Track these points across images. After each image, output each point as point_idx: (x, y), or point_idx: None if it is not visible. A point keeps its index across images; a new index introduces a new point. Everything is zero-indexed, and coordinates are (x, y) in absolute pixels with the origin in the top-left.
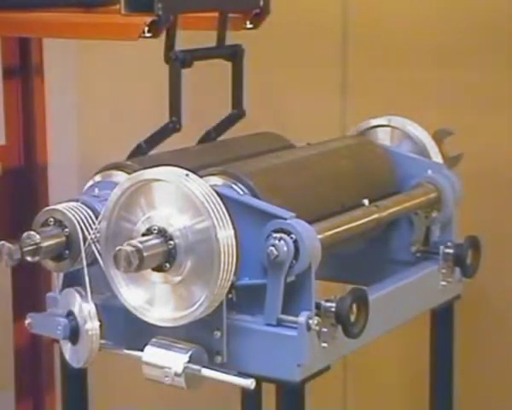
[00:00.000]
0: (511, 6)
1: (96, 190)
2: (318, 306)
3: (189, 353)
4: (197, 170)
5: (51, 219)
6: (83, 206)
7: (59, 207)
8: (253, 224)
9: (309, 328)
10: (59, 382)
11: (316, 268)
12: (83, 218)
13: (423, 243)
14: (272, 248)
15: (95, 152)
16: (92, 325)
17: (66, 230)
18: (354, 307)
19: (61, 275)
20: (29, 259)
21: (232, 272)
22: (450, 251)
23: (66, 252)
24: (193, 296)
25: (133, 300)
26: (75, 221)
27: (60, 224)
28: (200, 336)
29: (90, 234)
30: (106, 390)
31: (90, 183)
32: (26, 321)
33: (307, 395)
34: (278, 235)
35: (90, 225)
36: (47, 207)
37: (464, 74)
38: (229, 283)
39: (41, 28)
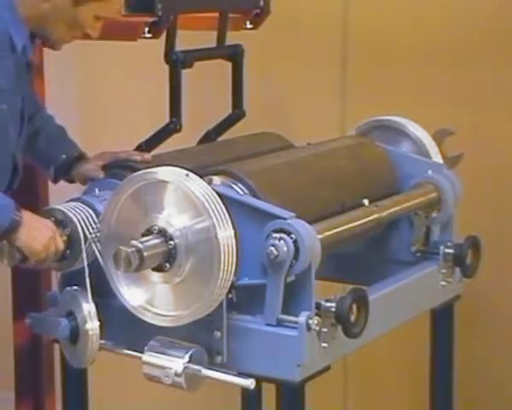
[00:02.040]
0: (511, 7)
1: (97, 190)
2: (318, 306)
3: (189, 353)
4: (197, 170)
5: (52, 219)
6: (84, 205)
7: (60, 206)
8: (253, 224)
9: (309, 328)
10: (59, 382)
11: (316, 268)
12: (84, 217)
13: (423, 243)
14: (272, 248)
15: (95, 152)
16: (92, 325)
17: (67, 229)
18: (354, 307)
19: (61, 274)
20: None
21: (232, 272)
22: (451, 251)
23: (67, 251)
24: (193, 296)
25: (133, 300)
26: (76, 221)
27: (61, 223)
28: (200, 336)
29: (90, 234)
30: (106, 390)
31: (91, 183)
32: (27, 321)
33: (307, 395)
34: (278, 235)
35: (90, 224)
36: (48, 207)
37: (464, 74)
38: (229, 283)
39: None
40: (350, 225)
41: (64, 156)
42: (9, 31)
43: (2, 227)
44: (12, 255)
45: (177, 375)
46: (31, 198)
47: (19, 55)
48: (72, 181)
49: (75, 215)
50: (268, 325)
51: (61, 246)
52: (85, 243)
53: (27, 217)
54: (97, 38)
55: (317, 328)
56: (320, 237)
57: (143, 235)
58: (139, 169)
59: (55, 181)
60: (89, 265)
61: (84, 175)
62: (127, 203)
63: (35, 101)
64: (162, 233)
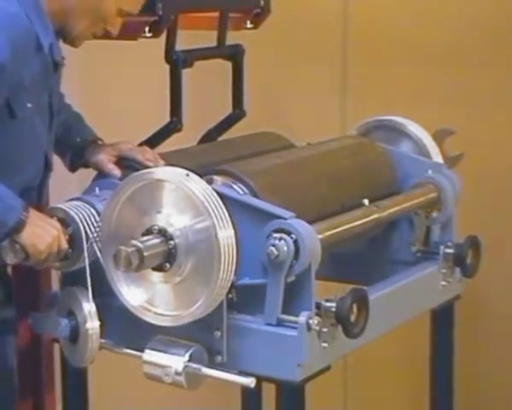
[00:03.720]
0: (511, 6)
1: (97, 190)
2: (318, 306)
3: (190, 352)
4: (198, 170)
5: (55, 218)
6: (85, 204)
7: (62, 205)
8: (254, 224)
9: (309, 328)
10: (59, 382)
11: (316, 268)
12: (85, 216)
13: (423, 242)
14: (272, 247)
15: None
16: (92, 325)
17: (70, 228)
18: (354, 307)
19: (61, 273)
20: None
21: (232, 272)
22: (451, 251)
23: (69, 251)
24: (193, 296)
25: (133, 299)
26: (78, 220)
27: (63, 223)
28: (200, 335)
29: (92, 233)
30: (106, 390)
31: (91, 182)
32: (28, 320)
33: (307, 395)
34: (278, 235)
35: (92, 224)
36: (50, 206)
37: (464, 74)
38: (230, 283)
39: None
40: (350, 225)
41: (78, 140)
42: (36, 31)
43: (8, 227)
44: (15, 253)
45: (177, 374)
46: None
47: (45, 54)
48: (87, 166)
49: (77, 214)
50: (268, 324)
51: (65, 245)
52: (87, 242)
53: (33, 216)
54: (98, 38)
55: (318, 328)
56: (320, 237)
57: (143, 235)
58: (139, 169)
59: (73, 169)
60: (89, 264)
61: (99, 167)
62: (127, 203)
63: (61, 94)
64: (162, 233)
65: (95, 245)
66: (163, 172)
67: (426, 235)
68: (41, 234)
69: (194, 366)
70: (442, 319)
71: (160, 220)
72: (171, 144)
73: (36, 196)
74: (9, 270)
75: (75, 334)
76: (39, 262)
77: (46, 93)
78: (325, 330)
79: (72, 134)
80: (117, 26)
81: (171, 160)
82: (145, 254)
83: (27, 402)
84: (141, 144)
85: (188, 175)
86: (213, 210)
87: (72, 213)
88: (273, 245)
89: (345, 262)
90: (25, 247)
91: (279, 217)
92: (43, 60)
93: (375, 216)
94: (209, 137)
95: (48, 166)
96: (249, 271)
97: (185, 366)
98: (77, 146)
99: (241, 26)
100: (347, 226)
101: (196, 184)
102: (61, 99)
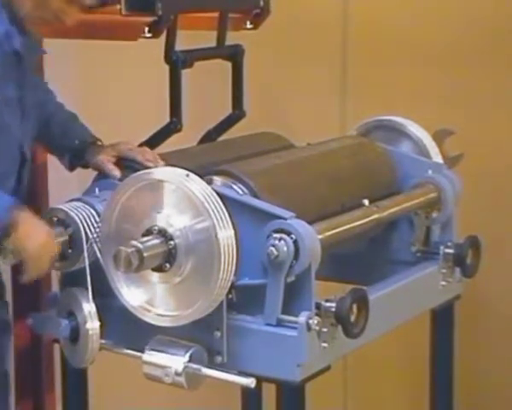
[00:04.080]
0: (511, 7)
1: (97, 190)
2: (318, 306)
3: (190, 352)
4: (198, 170)
5: (55, 219)
6: (85, 205)
7: (62, 206)
8: (253, 224)
9: (309, 328)
10: (59, 382)
11: (316, 268)
12: (85, 217)
13: (423, 243)
14: (272, 248)
15: None
16: (92, 325)
17: (70, 229)
18: (354, 307)
19: (61, 274)
20: None
21: (232, 273)
22: (451, 251)
23: (69, 251)
24: (193, 296)
25: (133, 300)
26: (78, 221)
27: (63, 223)
28: (200, 336)
29: (92, 233)
30: (106, 390)
31: (91, 183)
32: (28, 321)
33: (307, 395)
34: (278, 235)
35: (92, 224)
36: (50, 207)
37: (464, 74)
38: (229, 283)
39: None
40: (350, 225)
41: (77, 142)
42: None
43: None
44: (6, 255)
45: (177, 374)
46: (30, 198)
47: (1, 42)
48: (86, 167)
49: (77, 215)
50: (268, 324)
51: (56, 250)
52: (87, 242)
53: (24, 217)
54: (98, 38)
55: (317, 328)
56: (320, 237)
57: (143, 235)
58: (139, 169)
59: (71, 169)
60: (89, 265)
61: (99, 168)
62: (127, 203)
63: (46, 89)
64: (162, 233)
65: (95, 246)
66: (163, 172)
67: (426, 235)
68: (31, 234)
69: (194, 366)
70: (442, 319)
71: (160, 221)
72: (171, 145)
73: (14, 189)
74: (0, 269)
75: (75, 334)
76: (33, 268)
77: (11, 85)
78: (325, 330)
79: (70, 137)
80: (71, 16)
81: (171, 160)
82: (145, 254)
83: (27, 402)
84: (141, 145)
85: (188, 175)
86: (213, 210)
87: (72, 213)
88: (273, 245)
89: (345, 262)
90: (14, 248)
91: (279, 217)
92: (1, 48)
93: (375, 216)
94: (209, 137)
95: (24, 158)
96: (249, 271)
97: (185, 367)
98: (75, 149)
99: (240, 27)
100: (347, 226)
101: (196, 185)
102: (53, 98)
